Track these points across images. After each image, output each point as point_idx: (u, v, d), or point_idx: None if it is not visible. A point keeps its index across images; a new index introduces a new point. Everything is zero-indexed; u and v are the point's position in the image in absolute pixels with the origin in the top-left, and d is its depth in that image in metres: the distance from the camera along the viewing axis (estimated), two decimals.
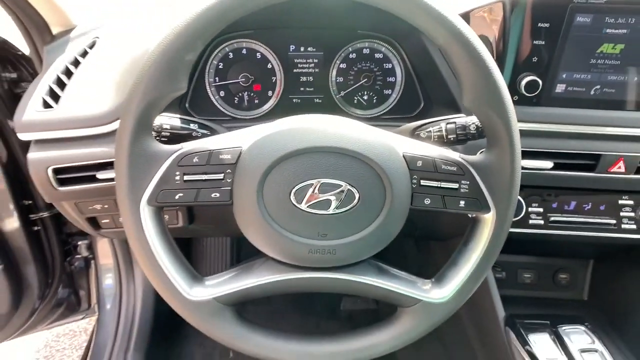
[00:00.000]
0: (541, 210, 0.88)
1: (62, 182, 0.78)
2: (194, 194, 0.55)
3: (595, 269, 1.10)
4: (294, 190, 0.54)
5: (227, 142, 0.57)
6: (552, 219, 0.88)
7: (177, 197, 0.55)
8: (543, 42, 0.75)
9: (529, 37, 0.75)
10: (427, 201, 0.58)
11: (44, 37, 0.88)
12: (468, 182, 0.57)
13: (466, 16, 0.80)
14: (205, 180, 0.55)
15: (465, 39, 0.52)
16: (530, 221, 0.88)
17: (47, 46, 0.86)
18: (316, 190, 0.54)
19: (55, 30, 0.88)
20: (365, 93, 0.93)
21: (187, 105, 0.90)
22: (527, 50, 0.76)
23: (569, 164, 0.83)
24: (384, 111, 0.94)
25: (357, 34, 0.91)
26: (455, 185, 0.57)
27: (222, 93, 0.92)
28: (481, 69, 0.52)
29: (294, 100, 0.94)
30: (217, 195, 0.56)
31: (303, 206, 0.54)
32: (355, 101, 0.94)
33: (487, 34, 0.79)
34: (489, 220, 0.58)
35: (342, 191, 0.55)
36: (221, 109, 0.92)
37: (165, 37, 0.50)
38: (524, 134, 0.80)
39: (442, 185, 0.57)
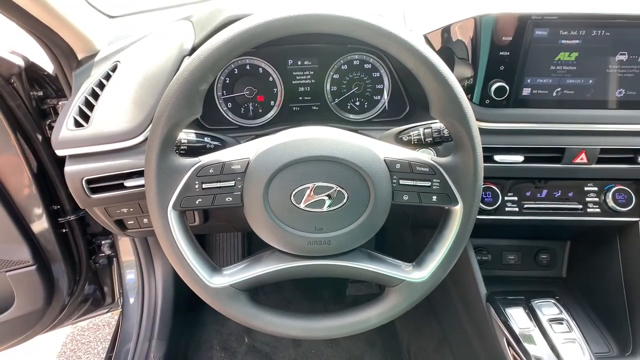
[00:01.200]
0: (516, 198, 0.99)
1: (94, 191, 0.89)
2: (211, 199, 0.67)
3: (572, 249, 1.20)
4: (293, 193, 0.66)
5: (236, 154, 0.69)
6: (526, 206, 0.99)
7: (197, 202, 0.67)
8: (508, 53, 0.85)
9: (497, 49, 0.86)
10: (406, 197, 0.69)
11: (70, 63, 0.99)
12: (439, 181, 0.68)
13: (447, 30, 0.90)
14: (220, 187, 0.67)
15: (429, 62, 0.62)
16: (507, 209, 0.99)
17: (75, 71, 0.97)
18: (312, 192, 0.66)
19: (80, 55, 0.99)
20: (357, 99, 1.04)
21: (201, 113, 1.01)
22: (495, 60, 0.86)
23: (538, 157, 0.93)
24: (374, 115, 1.04)
25: (347, 47, 1.01)
26: (428, 183, 0.68)
27: (229, 105, 1.03)
28: (444, 87, 0.63)
29: (294, 108, 1.04)
30: (230, 199, 0.67)
31: (302, 206, 0.66)
32: (349, 107, 1.04)
33: (462, 46, 0.89)
34: (458, 211, 0.69)
35: (334, 192, 0.66)
36: (229, 118, 1.03)
37: (182, 73, 0.62)
38: (496, 132, 0.92)
39: (417, 184, 0.68)
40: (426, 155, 0.70)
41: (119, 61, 0.95)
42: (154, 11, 1.19)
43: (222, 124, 1.03)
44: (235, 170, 0.67)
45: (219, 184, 0.67)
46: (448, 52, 0.91)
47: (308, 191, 0.66)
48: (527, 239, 1.21)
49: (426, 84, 0.65)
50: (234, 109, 1.03)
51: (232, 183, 0.67)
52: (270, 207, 0.67)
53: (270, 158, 0.66)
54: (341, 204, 0.67)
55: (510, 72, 0.87)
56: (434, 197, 0.69)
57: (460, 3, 0.96)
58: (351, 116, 1.05)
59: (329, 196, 0.66)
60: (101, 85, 0.92)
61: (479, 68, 0.88)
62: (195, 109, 0.65)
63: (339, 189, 0.66)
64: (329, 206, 0.66)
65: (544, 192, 0.99)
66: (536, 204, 0.99)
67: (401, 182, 0.68)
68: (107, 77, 0.93)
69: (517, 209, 0.98)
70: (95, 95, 0.91)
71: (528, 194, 0.99)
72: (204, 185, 0.67)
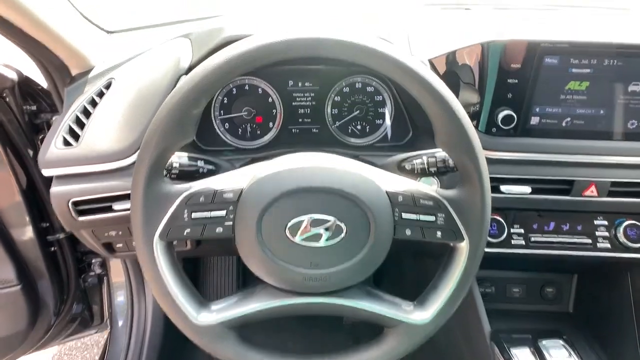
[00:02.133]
0: (522, 231, 0.95)
1: (81, 213, 0.85)
2: (200, 230, 0.63)
3: (579, 282, 1.16)
4: (288, 225, 0.62)
5: (229, 182, 0.65)
6: (533, 239, 0.94)
7: (185, 232, 0.63)
8: (517, 81, 0.83)
9: (505, 76, 0.83)
10: (408, 232, 0.65)
11: (63, 79, 0.96)
12: (444, 215, 0.64)
13: (452, 55, 0.87)
14: (210, 217, 0.63)
15: (436, 91, 0.59)
16: (513, 241, 0.94)
17: (68, 87, 0.93)
18: (308, 225, 0.62)
19: (74, 71, 0.96)
20: (359, 123, 1.00)
21: (194, 137, 0.98)
22: (503, 88, 0.84)
23: (545, 188, 0.90)
24: (376, 139, 1.01)
25: (349, 69, 0.98)
26: (432, 218, 0.64)
27: (226, 125, 0.99)
28: (451, 118, 0.60)
29: (293, 130, 1.01)
30: (221, 230, 0.63)
31: (297, 239, 0.62)
32: (350, 131, 1.01)
33: (468, 71, 0.86)
34: (463, 248, 0.65)
35: (332, 225, 0.62)
36: (226, 140, 0.99)
37: (174, 95, 0.58)
38: (502, 162, 0.89)
39: (420, 218, 0.64)
40: (430, 188, 0.66)
41: (113, 78, 0.92)
42: (154, 27, 1.16)
43: (218, 144, 0.99)
44: (227, 199, 0.63)
45: (209, 214, 0.63)
46: (453, 76, 0.88)
47: (304, 224, 0.62)
48: (532, 271, 1.17)
49: (432, 114, 0.61)
50: (231, 129, 0.99)
51: (223, 213, 0.63)
52: (264, 239, 0.62)
53: (265, 187, 0.62)
54: (339, 239, 0.62)
55: (519, 100, 0.84)
56: (439, 233, 0.65)
57: (467, 27, 0.94)
58: (352, 140, 1.01)
59: (326, 230, 0.62)
60: (93, 103, 0.89)
61: (486, 95, 0.85)
62: (187, 134, 0.61)
63: (337, 222, 0.62)
64: (326, 240, 0.62)
65: (552, 224, 0.95)
66: (543, 237, 0.95)
67: (404, 215, 0.64)
68: (100, 94, 0.90)
69: (523, 242, 0.94)
70: (87, 113, 0.88)
71: (535, 226, 0.95)
72: (193, 215, 0.63)
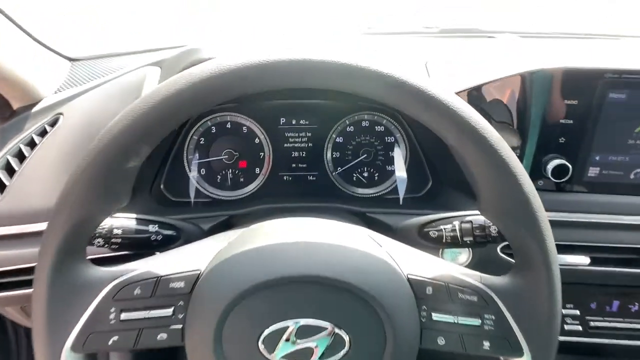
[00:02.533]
0: (577, 312, 0.75)
1: (2, 287, 0.66)
2: (133, 337, 0.42)
3: None
4: (263, 336, 0.41)
5: (181, 263, 0.45)
6: (593, 324, 0.74)
7: (111, 341, 0.42)
8: (571, 121, 0.65)
9: (555, 116, 0.66)
10: (441, 341, 0.44)
11: (2, 113, 0.79)
12: (493, 317, 0.44)
13: (478, 88, 0.70)
14: (149, 318, 0.43)
15: (485, 140, 0.40)
16: (566, 327, 0.75)
17: (3, 124, 0.76)
18: (293, 335, 0.41)
19: (16, 105, 0.79)
20: (366, 170, 0.84)
21: (161, 186, 0.79)
22: (553, 130, 0.68)
23: (609, 258, 0.72)
24: (387, 190, 0.83)
25: (355, 105, 0.82)
26: (477, 322, 0.44)
27: (202, 171, 0.82)
28: (505, 176, 0.41)
29: (285, 178, 0.84)
30: (164, 337, 0.43)
31: (276, 357, 0.41)
32: (354, 179, 0.84)
33: (502, 110, 0.69)
34: None
35: (328, 335, 0.41)
36: (202, 189, 0.81)
37: (98, 143, 0.39)
38: (553, 225, 0.68)
39: (460, 322, 0.44)
40: (472, 274, 0.46)
41: (61, 113, 0.76)
42: (125, 55, 1.00)
43: (190, 195, 0.80)
44: (176, 290, 0.43)
45: (148, 313, 0.43)
46: (482, 113, 0.70)
47: (287, 333, 0.41)
48: (586, 355, 0.94)
49: (476, 169, 0.42)
50: (207, 177, 0.82)
51: (169, 311, 0.43)
52: (226, 355, 0.42)
53: (231, 275, 0.42)
54: (339, 355, 0.42)
55: (573, 146, 0.68)
56: (486, 344, 0.44)
57: (497, 56, 0.77)
58: (358, 190, 0.84)
59: (319, 342, 0.41)
60: (32, 144, 0.72)
61: (529, 139, 0.69)
62: (117, 198, 0.42)
63: (335, 330, 0.42)
64: (319, 358, 0.42)
65: (615, 304, 0.75)
66: (605, 321, 0.74)
67: (434, 316, 0.44)
68: (42, 133, 0.73)
69: (580, 328, 0.74)
70: (22, 157, 0.70)
71: (593, 305, 0.75)
72: (123, 315, 0.43)
